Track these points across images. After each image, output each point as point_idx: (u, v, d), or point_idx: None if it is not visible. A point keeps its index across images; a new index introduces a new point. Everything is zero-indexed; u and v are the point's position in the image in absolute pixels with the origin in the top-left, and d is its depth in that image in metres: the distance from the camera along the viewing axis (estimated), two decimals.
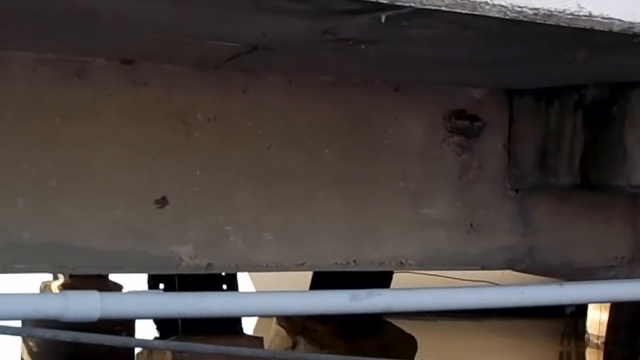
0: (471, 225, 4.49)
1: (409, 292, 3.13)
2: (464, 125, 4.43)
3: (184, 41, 3.21)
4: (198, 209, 3.88)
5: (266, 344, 6.45)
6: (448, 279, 5.41)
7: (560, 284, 3.44)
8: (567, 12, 2.70)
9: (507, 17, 2.63)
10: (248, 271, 4.07)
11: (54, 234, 3.60)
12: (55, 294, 2.51)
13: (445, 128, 4.40)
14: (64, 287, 6.19)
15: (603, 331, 8.13)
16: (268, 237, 4.02)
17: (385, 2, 2.48)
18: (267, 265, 4.03)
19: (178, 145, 3.83)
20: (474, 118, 4.45)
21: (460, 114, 4.41)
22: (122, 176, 3.72)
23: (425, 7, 2.54)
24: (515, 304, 3.32)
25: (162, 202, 3.81)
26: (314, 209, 4.12)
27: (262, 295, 2.99)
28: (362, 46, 3.14)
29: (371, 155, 4.23)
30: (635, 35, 2.83)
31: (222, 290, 5.76)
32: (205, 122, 3.89)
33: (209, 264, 3.91)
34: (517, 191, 4.61)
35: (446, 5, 2.55)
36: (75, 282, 6.20)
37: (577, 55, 3.26)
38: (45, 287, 6.88)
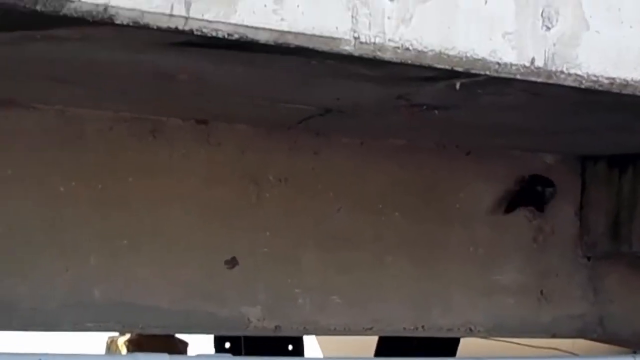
0: (541, 292, 4.46)
1: None
2: (536, 191, 4.42)
3: (258, 103, 3.26)
4: (267, 271, 3.90)
5: None
6: (517, 345, 5.35)
7: (634, 356, 3.41)
8: None
9: (582, 87, 2.64)
10: (316, 334, 4.09)
11: (124, 293, 3.64)
12: (125, 356, 2.55)
13: (516, 193, 4.39)
14: (130, 343, 6.22)
15: None
16: (336, 300, 4.03)
17: (461, 70, 2.51)
18: (334, 329, 4.04)
19: (249, 205, 3.87)
20: (546, 184, 4.44)
21: (532, 180, 4.40)
22: (193, 236, 3.75)
23: (500, 75, 2.56)
24: None
25: (232, 262, 3.84)
26: (382, 273, 4.12)
27: None
28: (436, 112, 3.17)
29: (441, 219, 4.23)
30: None
31: (288, 351, 5.76)
32: (277, 182, 3.92)
33: (277, 327, 3.92)
34: (588, 259, 4.57)
35: (521, 74, 2.57)
36: (141, 339, 6.24)
37: None
38: (111, 343, 6.93)
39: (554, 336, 4.61)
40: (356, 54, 2.40)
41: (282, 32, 2.31)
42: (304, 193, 3.97)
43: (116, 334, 7.81)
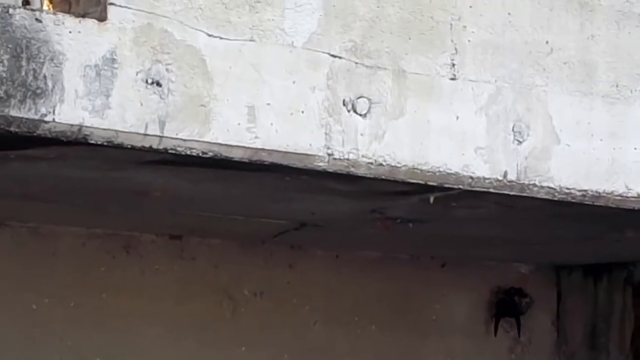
0: None
1: None
2: (512, 301, 4.41)
3: (233, 218, 3.26)
4: None
5: None
6: None
7: None
8: (616, 193, 2.73)
9: (554, 199, 2.66)
10: None
11: None
12: None
13: (494, 304, 4.38)
14: None
15: None
16: None
17: (434, 184, 2.52)
18: None
19: (224, 320, 3.84)
20: (521, 294, 4.44)
21: (507, 291, 4.40)
22: (167, 353, 3.71)
23: (473, 189, 2.58)
24: None
25: None
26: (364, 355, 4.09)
27: None
28: (410, 224, 3.17)
29: (417, 331, 4.21)
30: None
31: None
32: (251, 297, 3.90)
33: None
34: None
35: (494, 187, 2.59)
36: None
37: (626, 233, 3.27)
38: None
39: None
40: (330, 169, 2.41)
41: (256, 150, 2.33)
42: (279, 307, 3.95)
43: None
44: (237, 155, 2.32)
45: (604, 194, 2.72)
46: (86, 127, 2.17)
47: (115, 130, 2.20)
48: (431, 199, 2.69)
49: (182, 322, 3.75)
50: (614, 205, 2.75)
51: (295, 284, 3.99)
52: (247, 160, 2.33)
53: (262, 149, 2.33)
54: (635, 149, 2.73)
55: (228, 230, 3.58)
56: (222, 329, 3.84)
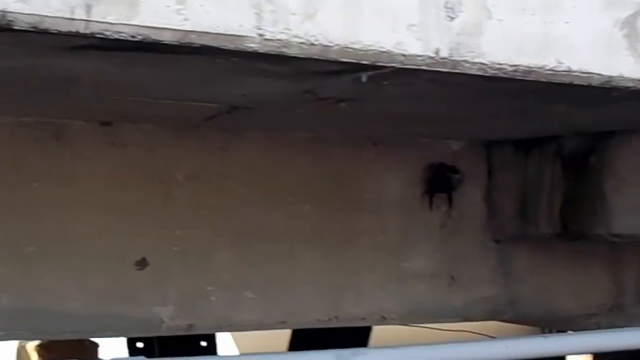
0: (452, 277, 4.50)
1: (393, 350, 3.13)
2: (443, 177, 4.45)
3: (164, 103, 3.22)
4: (178, 270, 3.87)
5: None
6: (430, 330, 5.39)
7: (544, 337, 3.46)
8: (547, 67, 2.73)
9: (487, 75, 2.66)
10: (229, 331, 4.06)
11: (32, 300, 3.58)
12: None
13: (425, 181, 4.42)
14: (41, 347, 6.14)
15: None
16: (249, 296, 4.01)
17: (366, 63, 2.50)
18: (248, 325, 4.02)
19: (157, 205, 3.83)
20: (452, 170, 4.48)
21: (439, 167, 4.43)
22: (101, 239, 3.70)
23: (406, 66, 2.56)
24: (499, 358, 3.32)
25: (142, 263, 3.80)
26: (294, 266, 4.12)
27: (246, 358, 2.98)
28: (342, 104, 3.16)
29: (351, 210, 4.25)
30: (613, 88, 2.86)
31: (201, 348, 5.72)
32: (185, 181, 3.89)
33: (190, 325, 3.90)
34: (497, 242, 4.63)
35: (426, 65, 2.57)
36: (51, 343, 6.16)
37: (557, 108, 3.30)
38: (21, 348, 6.82)
39: (466, 319, 4.65)
40: (262, 50, 2.38)
41: (186, 32, 2.28)
42: (214, 190, 3.95)
43: None
44: (166, 38, 2.27)
45: (536, 69, 2.72)
46: (10, 12, 2.10)
47: (41, 15, 2.13)
48: (363, 78, 2.67)
49: (116, 208, 3.73)
50: (545, 80, 2.76)
51: (228, 167, 3.98)
52: (176, 43, 2.29)
53: (192, 31, 2.28)
54: (566, 22, 2.73)
55: (159, 115, 3.55)
56: (156, 214, 3.83)
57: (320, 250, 4.18)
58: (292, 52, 2.40)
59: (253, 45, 2.35)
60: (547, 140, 4.35)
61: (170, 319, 3.86)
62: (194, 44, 2.30)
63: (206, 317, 3.94)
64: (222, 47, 2.34)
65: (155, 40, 2.27)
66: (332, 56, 2.45)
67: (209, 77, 2.76)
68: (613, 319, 4.87)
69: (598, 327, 4.77)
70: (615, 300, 4.91)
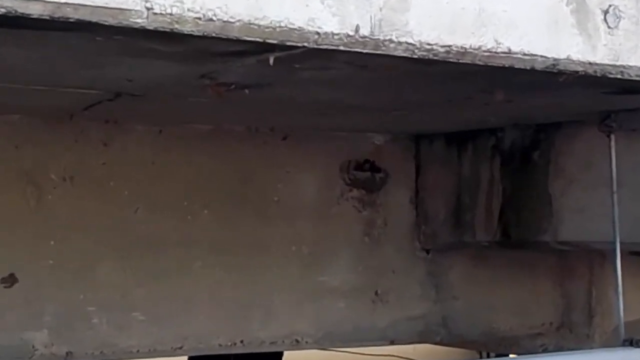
0: (376, 293, 4.52)
1: None
2: (364, 177, 4.47)
3: (34, 89, 3.17)
4: (53, 287, 3.83)
5: None
6: (352, 354, 5.42)
7: None
8: (484, 48, 2.73)
9: (414, 56, 2.65)
10: (115, 358, 4.03)
11: None
12: None
13: (343, 181, 4.43)
14: None
15: None
16: (138, 318, 3.98)
17: (274, 42, 2.48)
18: (137, 351, 3.99)
19: (28, 211, 3.78)
20: (375, 169, 4.49)
21: (359, 165, 4.44)
22: None
23: (321, 47, 2.54)
24: None
25: (10, 280, 3.75)
26: (191, 282, 4.10)
27: None
28: (246, 91, 3.14)
29: (258, 215, 4.24)
30: (560, 72, 2.88)
31: None
32: (60, 182, 3.84)
33: (69, 353, 3.85)
34: (427, 251, 4.66)
35: (344, 45, 2.55)
36: None
37: (495, 96, 3.31)
38: None
39: (392, 342, 4.67)
40: (150, 27, 2.34)
41: (59, 4, 2.24)
42: (95, 192, 3.91)
43: None
44: (35, 11, 2.23)
45: (471, 50, 2.71)
46: None
47: None
48: (271, 60, 2.65)
49: None
50: (481, 63, 2.76)
51: (111, 164, 3.95)
52: (48, 17, 2.24)
53: (66, 3, 2.24)
54: None
55: (29, 104, 3.50)
56: (26, 221, 3.78)
57: (221, 264, 4.17)
58: (186, 28, 2.37)
59: (139, 21, 2.32)
60: (484, 134, 4.39)
61: (44, 346, 3.82)
62: (69, 18, 2.26)
63: (87, 343, 3.91)
64: (103, 23, 2.30)
65: (22, 14, 2.22)
66: (234, 34, 2.43)
67: (87, 59, 2.72)
68: (561, 339, 4.92)
69: (545, 349, 4.82)
70: (564, 318, 4.97)
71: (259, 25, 2.44)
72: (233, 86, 3.11)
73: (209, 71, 2.90)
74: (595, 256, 4.75)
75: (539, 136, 4.22)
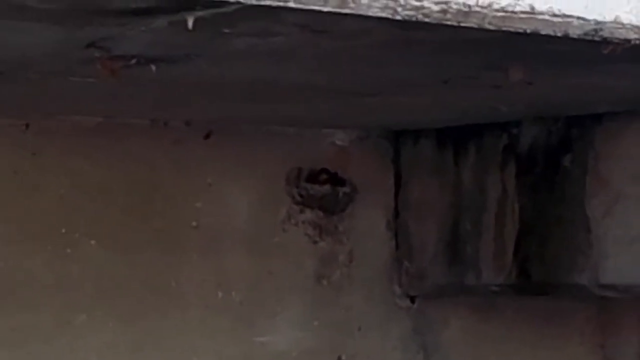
0: (339, 359, 4.53)
1: None
2: (321, 192, 4.49)
3: None
4: None
5: None
6: None
7: None
8: (496, 6, 2.74)
9: (396, 18, 2.66)
10: None
11: None
12: None
13: (290, 198, 4.45)
14: None
15: None
16: None
17: None
18: None
19: None
20: (336, 180, 4.51)
21: (314, 175, 4.46)
22: None
23: (260, 2, 2.54)
24: None
25: None
26: (71, 344, 4.12)
27: None
28: (153, 67, 3.16)
29: (167, 247, 4.27)
30: (604, 41, 2.90)
31: None
32: None
33: None
34: (412, 299, 4.68)
35: (297, 0, 2.56)
36: None
37: (510, 75, 3.33)
38: None
39: None
40: None
41: None
42: None
43: None
44: None
45: (477, 8, 2.73)
46: None
47: None
48: (190, 22, 2.65)
49: None
50: (492, 27, 2.77)
51: None
52: None
53: None
54: None
55: None
56: None
57: (114, 317, 4.19)
58: None
59: None
60: (492, 130, 4.42)
61: None
62: None
63: None
64: None
65: None
66: None
67: None
68: None
69: None
70: None
71: None
72: (134, 60, 3.11)
73: (99, 38, 2.90)
74: None
75: (571, 133, 4.26)
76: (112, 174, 4.19)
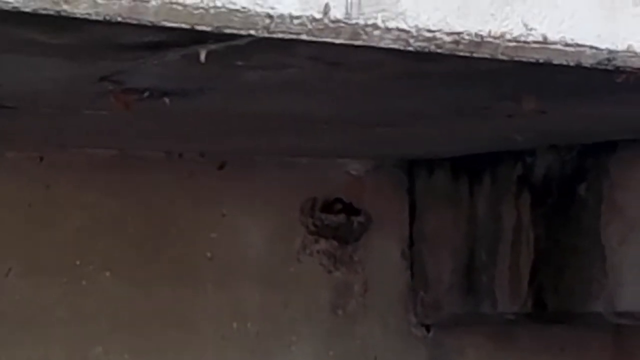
0: None
1: None
2: (336, 222, 4.49)
3: None
4: None
5: None
6: None
7: None
8: (508, 37, 2.75)
9: (409, 49, 2.67)
10: None
11: None
12: None
13: (305, 228, 4.45)
14: None
15: None
16: None
17: (207, 29, 2.49)
18: None
19: None
20: (351, 210, 4.51)
21: (328, 205, 4.46)
22: None
23: (274, 35, 2.55)
24: None
25: None
26: None
27: None
28: (166, 100, 3.16)
29: (182, 278, 4.27)
30: (617, 70, 2.90)
31: None
32: None
33: None
34: (428, 328, 4.67)
35: (308, 32, 2.56)
36: None
37: (523, 104, 3.33)
38: None
39: None
40: (27, 8, 2.34)
41: None
42: None
43: None
44: None
45: (490, 39, 2.74)
46: None
47: None
48: (202, 55, 2.67)
49: None
50: (505, 57, 2.78)
51: None
52: None
53: None
54: None
55: None
56: None
57: (130, 349, 4.20)
58: (79, 10, 2.38)
59: (12, 1, 2.32)
60: (506, 159, 4.41)
61: None
62: None
63: None
64: None
65: None
66: (149, 18, 2.44)
67: None
68: None
69: None
70: None
71: (185, 5, 2.45)
72: (147, 93, 3.12)
73: (113, 72, 2.91)
74: None
75: (586, 162, 4.25)
76: (127, 206, 4.20)
